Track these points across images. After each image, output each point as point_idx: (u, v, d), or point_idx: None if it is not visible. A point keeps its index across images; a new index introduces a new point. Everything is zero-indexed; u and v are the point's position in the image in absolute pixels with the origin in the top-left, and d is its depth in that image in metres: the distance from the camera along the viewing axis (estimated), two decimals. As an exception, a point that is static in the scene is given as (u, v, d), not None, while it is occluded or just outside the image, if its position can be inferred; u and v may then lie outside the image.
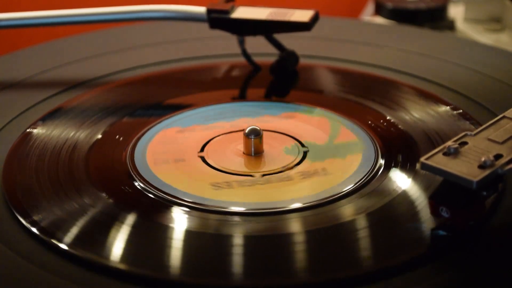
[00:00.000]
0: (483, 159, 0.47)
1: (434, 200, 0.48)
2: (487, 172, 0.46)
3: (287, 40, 0.73)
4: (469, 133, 0.50)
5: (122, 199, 0.53)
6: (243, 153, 0.58)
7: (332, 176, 0.55)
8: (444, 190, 0.48)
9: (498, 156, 0.48)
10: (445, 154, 0.48)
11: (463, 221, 0.48)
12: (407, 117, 0.63)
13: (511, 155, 0.48)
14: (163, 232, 0.49)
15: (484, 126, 0.51)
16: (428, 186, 0.52)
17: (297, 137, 0.60)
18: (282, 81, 0.72)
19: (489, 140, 0.49)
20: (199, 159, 0.58)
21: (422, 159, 0.48)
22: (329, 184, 0.54)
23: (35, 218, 0.50)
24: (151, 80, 0.72)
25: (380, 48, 0.78)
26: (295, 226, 0.50)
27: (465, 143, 0.49)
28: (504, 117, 0.52)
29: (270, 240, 0.49)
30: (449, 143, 0.49)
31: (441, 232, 0.48)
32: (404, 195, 0.53)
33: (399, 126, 0.61)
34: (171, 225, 0.50)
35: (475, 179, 0.46)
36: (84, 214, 0.51)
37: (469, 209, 0.47)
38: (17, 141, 0.59)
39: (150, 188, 0.54)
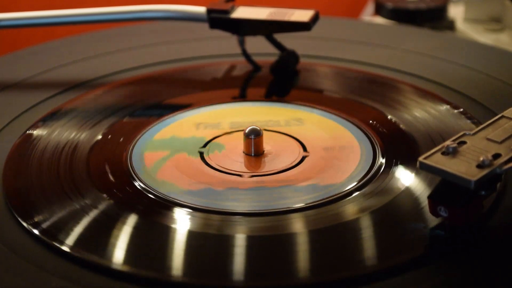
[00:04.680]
0: (481, 158, 0.47)
1: (433, 199, 0.48)
2: (485, 171, 0.46)
3: (287, 40, 0.73)
4: (467, 132, 0.50)
5: (123, 199, 0.53)
6: (243, 153, 0.58)
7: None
8: (443, 189, 0.48)
9: (496, 156, 0.48)
10: (443, 153, 0.48)
11: (461, 220, 0.48)
12: (407, 116, 0.63)
13: (510, 155, 0.47)
14: (164, 232, 0.49)
15: (482, 126, 0.51)
16: (429, 185, 0.52)
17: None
18: (283, 81, 0.72)
19: (488, 139, 0.49)
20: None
21: (421, 158, 0.48)
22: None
23: (36, 219, 0.50)
24: (151, 80, 0.72)
25: (380, 48, 0.78)
26: (295, 226, 0.50)
27: (464, 142, 0.49)
28: (502, 116, 0.52)
29: (271, 240, 0.49)
30: (448, 142, 0.49)
31: (441, 232, 0.48)
32: (404, 195, 0.53)
33: (400, 125, 0.61)
34: (172, 225, 0.50)
35: (473, 179, 0.46)
36: (85, 215, 0.51)
37: (467, 208, 0.47)
38: (18, 142, 0.59)
39: (151, 189, 0.54)
